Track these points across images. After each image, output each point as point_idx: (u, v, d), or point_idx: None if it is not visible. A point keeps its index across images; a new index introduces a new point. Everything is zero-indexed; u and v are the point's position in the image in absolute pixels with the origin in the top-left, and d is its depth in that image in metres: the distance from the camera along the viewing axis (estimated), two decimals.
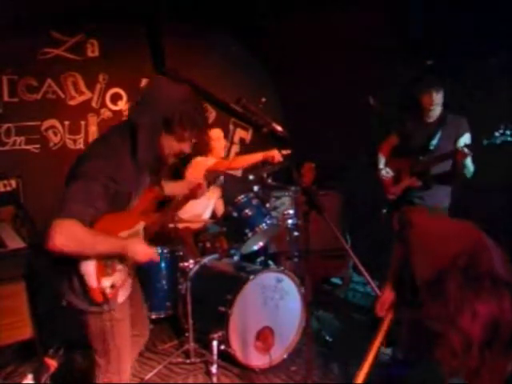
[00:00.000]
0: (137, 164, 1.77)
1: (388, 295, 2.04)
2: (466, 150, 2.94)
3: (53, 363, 2.80)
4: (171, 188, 2.29)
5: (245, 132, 5.03)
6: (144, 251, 1.84)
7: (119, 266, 1.85)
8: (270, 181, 3.52)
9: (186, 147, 1.84)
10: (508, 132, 2.77)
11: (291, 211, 3.47)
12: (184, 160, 3.78)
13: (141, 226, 1.96)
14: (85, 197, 1.62)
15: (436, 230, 1.80)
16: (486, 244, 1.61)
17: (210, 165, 3.62)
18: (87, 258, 1.70)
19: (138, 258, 1.83)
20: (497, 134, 2.80)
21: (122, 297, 1.91)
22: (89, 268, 1.71)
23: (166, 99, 1.74)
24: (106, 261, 1.77)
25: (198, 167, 3.62)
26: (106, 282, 1.77)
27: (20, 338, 2.99)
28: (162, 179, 2.19)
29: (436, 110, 3.23)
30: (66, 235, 1.57)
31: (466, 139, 3.17)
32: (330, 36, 3.85)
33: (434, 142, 3.22)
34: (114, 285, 1.82)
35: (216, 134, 3.82)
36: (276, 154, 3.33)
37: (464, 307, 1.45)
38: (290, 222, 3.46)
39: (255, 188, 3.32)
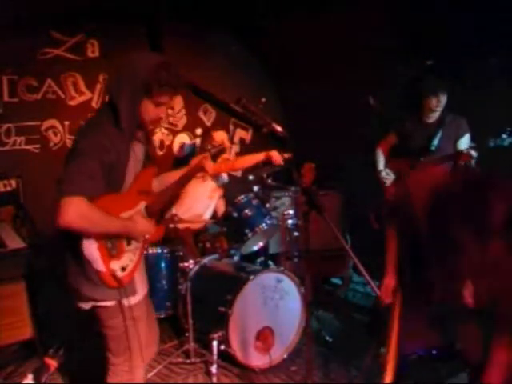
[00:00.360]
0: (123, 135, 1.80)
1: (389, 281, 2.04)
2: (472, 152, 2.94)
3: (53, 363, 2.80)
4: (172, 176, 2.28)
5: (245, 132, 5.03)
6: (146, 227, 1.87)
7: (128, 247, 1.86)
8: (269, 181, 3.52)
9: (162, 112, 1.87)
10: None
11: (291, 211, 3.47)
12: (185, 162, 3.78)
13: (142, 205, 1.96)
14: (86, 174, 1.67)
15: (432, 171, 1.82)
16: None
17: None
18: (90, 237, 1.71)
19: (142, 235, 1.87)
20: (504, 135, 2.81)
21: (141, 289, 1.92)
22: (92, 252, 1.72)
23: (143, 65, 1.77)
24: (108, 243, 1.77)
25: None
26: (115, 265, 1.78)
27: (20, 338, 2.99)
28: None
29: (438, 112, 3.23)
30: (75, 212, 1.61)
31: (466, 140, 3.17)
32: (330, 36, 3.85)
33: (435, 142, 3.21)
34: (125, 267, 1.82)
35: (219, 136, 3.74)
36: (276, 155, 3.31)
37: (479, 206, 1.48)
38: (289, 222, 3.46)
39: (255, 188, 3.32)
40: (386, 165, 3.53)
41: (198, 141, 4.57)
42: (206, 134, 3.84)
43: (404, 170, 3.38)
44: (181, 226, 3.24)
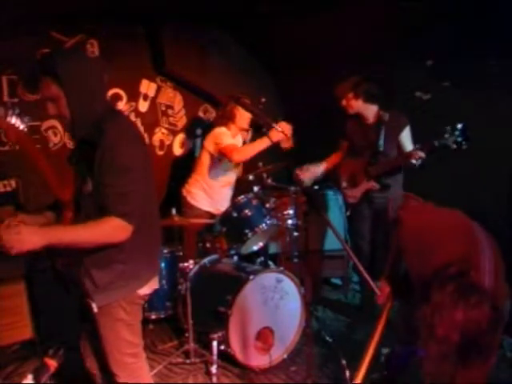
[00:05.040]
0: None
1: (387, 286, 2.07)
2: (419, 153, 3.01)
3: (53, 363, 2.79)
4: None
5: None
6: None
7: None
8: (269, 181, 3.52)
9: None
10: (456, 132, 2.83)
11: (291, 211, 3.46)
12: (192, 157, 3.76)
13: None
14: None
15: (427, 227, 1.79)
16: (480, 243, 1.60)
17: (225, 144, 3.45)
18: None
19: None
20: (446, 135, 2.87)
21: None
22: None
23: None
24: None
25: (217, 139, 3.51)
26: None
27: (20, 338, 3.00)
28: None
29: (368, 111, 3.35)
30: None
31: (407, 133, 3.28)
32: (330, 35, 3.85)
33: (381, 142, 3.28)
34: None
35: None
36: (284, 126, 3.04)
37: (443, 314, 1.41)
38: (289, 222, 3.45)
39: (255, 188, 3.32)
40: (340, 168, 3.63)
41: (198, 140, 4.58)
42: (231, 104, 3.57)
43: (358, 173, 3.46)
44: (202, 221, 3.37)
